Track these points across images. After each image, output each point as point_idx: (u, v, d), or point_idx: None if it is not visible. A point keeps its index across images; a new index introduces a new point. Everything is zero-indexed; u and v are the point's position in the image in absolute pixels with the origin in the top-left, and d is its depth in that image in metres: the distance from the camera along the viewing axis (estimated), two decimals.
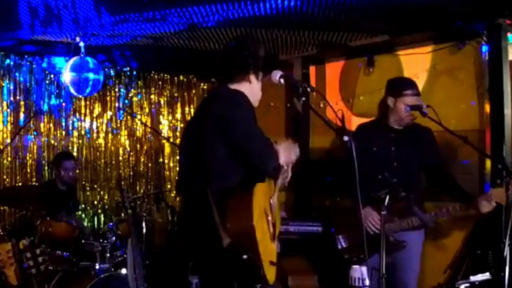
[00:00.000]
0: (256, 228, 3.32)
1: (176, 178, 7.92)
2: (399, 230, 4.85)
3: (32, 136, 7.79)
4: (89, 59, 6.59)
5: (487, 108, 5.78)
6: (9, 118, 7.56)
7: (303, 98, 3.45)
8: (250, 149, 3.48)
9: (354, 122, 6.69)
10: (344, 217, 5.30)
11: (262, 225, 3.48)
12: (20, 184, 7.62)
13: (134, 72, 8.54)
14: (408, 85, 5.07)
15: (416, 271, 5.10)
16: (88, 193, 8.28)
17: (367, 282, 3.99)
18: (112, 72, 8.31)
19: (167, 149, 8.88)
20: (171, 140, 8.63)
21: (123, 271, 5.91)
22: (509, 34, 5.68)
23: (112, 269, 5.96)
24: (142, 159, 8.71)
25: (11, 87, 7.56)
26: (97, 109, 8.28)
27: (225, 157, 3.49)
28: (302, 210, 7.51)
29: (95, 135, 8.30)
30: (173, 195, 8.78)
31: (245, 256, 3.32)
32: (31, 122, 7.67)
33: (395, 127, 5.07)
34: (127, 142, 8.56)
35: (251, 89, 3.76)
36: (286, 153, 3.67)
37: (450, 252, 5.93)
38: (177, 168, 8.53)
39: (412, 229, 4.88)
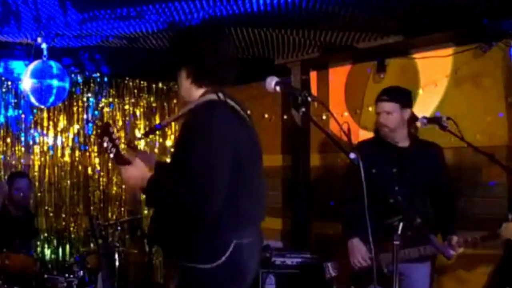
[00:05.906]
0: None
1: None
2: (400, 261, 4.83)
3: None
4: (52, 63, 6.56)
5: None
6: None
7: (303, 109, 3.40)
8: None
9: (362, 137, 6.67)
10: (337, 244, 5.35)
11: None
12: None
13: (105, 79, 8.54)
14: (381, 92, 5.17)
15: None
16: (51, 220, 8.23)
17: None
18: (79, 79, 8.31)
19: None
20: None
21: None
22: None
23: None
24: (115, 180, 8.68)
25: None
26: (62, 122, 8.26)
27: None
28: (301, 239, 7.47)
29: (59, 152, 8.28)
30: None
31: None
32: None
33: (399, 145, 5.06)
34: (97, 160, 8.54)
35: None
36: None
37: None
38: None
39: (415, 261, 4.85)
